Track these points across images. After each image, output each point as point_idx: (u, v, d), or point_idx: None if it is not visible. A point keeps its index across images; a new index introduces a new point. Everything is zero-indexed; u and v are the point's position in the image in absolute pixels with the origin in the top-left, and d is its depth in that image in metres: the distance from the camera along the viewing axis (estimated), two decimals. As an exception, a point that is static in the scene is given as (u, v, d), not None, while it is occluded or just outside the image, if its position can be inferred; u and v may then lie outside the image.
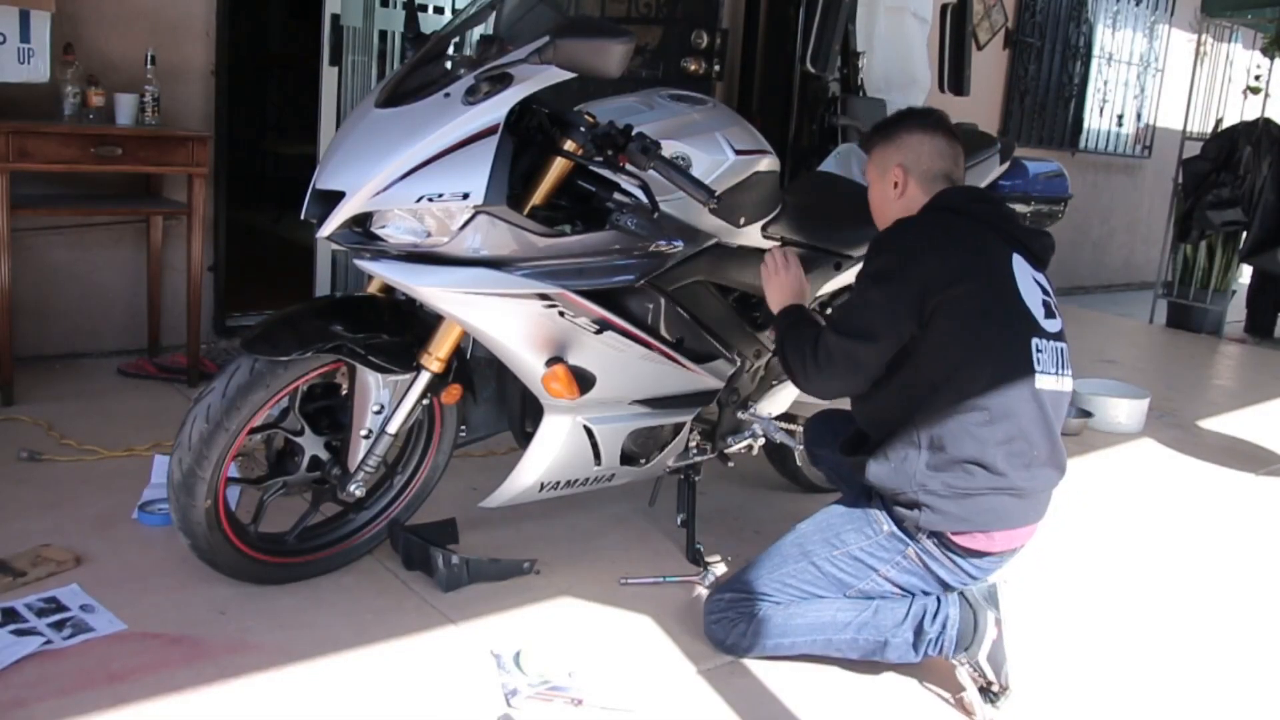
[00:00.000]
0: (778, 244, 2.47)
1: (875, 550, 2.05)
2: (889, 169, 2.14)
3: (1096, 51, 7.56)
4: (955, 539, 2.00)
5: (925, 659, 2.03)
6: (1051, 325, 2.04)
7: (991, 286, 1.98)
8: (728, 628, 2.09)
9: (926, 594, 2.07)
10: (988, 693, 2.01)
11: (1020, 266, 2.03)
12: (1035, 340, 1.99)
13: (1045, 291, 2.07)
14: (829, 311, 2.69)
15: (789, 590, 2.07)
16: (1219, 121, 6.74)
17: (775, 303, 2.25)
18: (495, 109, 1.93)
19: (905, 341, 1.97)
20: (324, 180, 1.97)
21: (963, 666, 2.02)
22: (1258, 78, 6.71)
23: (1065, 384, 2.05)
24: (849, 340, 2.00)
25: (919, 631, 2.01)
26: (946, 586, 2.07)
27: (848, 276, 2.62)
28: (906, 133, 2.14)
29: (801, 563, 2.07)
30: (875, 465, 2.03)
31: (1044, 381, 1.98)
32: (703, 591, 2.37)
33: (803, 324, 2.14)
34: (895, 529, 2.04)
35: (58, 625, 1.98)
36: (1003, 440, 1.94)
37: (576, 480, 2.33)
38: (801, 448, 2.84)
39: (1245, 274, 6.76)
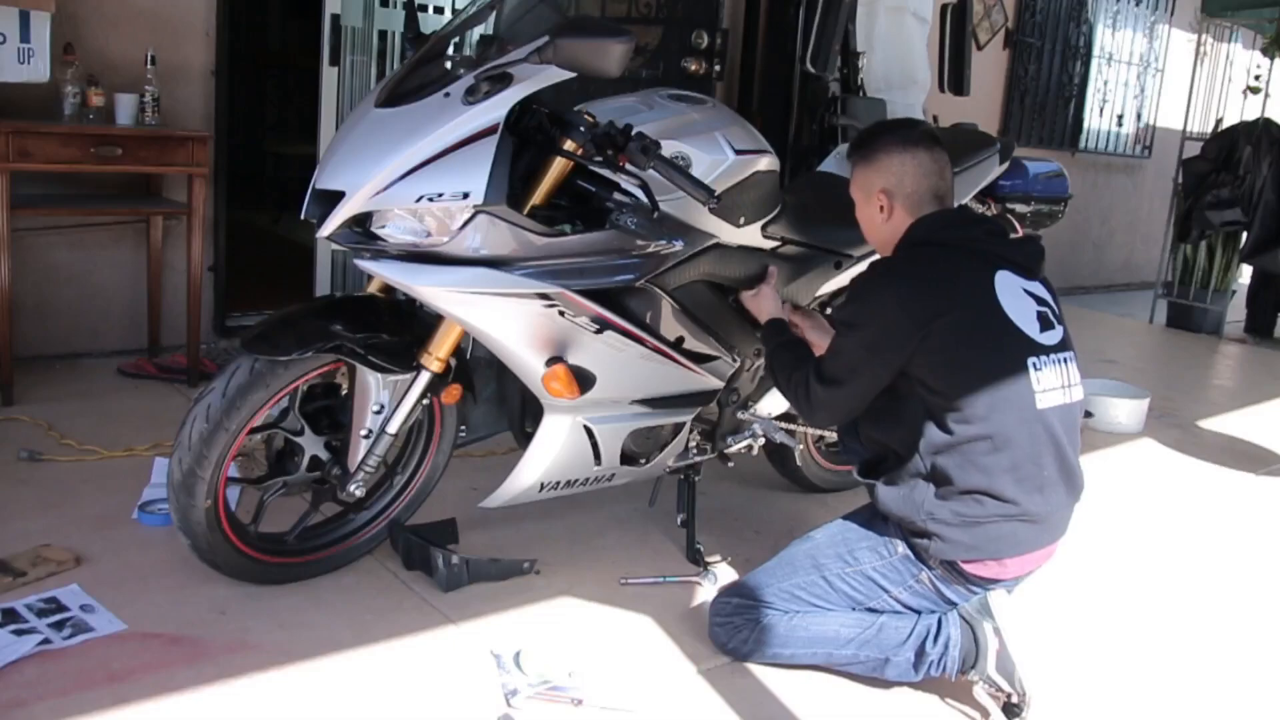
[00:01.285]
0: (778, 243, 2.47)
1: (888, 572, 2.04)
2: (873, 193, 2.10)
3: (1096, 51, 7.56)
4: (967, 567, 1.98)
5: (926, 678, 2.02)
6: (1050, 338, 1.99)
7: (973, 316, 1.95)
8: (731, 633, 2.08)
9: (933, 612, 2.06)
10: (1011, 707, 1.98)
11: (1006, 283, 1.99)
12: (1032, 359, 1.95)
13: (1041, 301, 2.03)
14: (829, 311, 2.69)
15: (797, 601, 2.06)
16: (1219, 121, 6.73)
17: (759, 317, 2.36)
18: (495, 109, 1.93)
19: (889, 381, 1.99)
20: (324, 180, 1.97)
21: (977, 685, 2.00)
22: (1258, 78, 6.71)
23: (1074, 394, 2.01)
24: (831, 387, 2.04)
25: (921, 652, 2.00)
26: (954, 606, 2.06)
27: (847, 277, 2.62)
28: (885, 154, 2.08)
29: (813, 575, 2.06)
30: (885, 492, 2.02)
31: (1047, 400, 1.95)
32: (703, 591, 2.37)
33: (787, 352, 2.21)
34: (909, 553, 2.02)
35: (58, 625, 1.98)
36: (1009, 467, 1.91)
37: (576, 480, 2.33)
38: (801, 447, 2.84)
39: (1245, 274, 6.76)
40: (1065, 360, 2.01)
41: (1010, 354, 1.95)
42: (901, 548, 2.03)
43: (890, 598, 2.05)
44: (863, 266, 2.61)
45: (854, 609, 2.06)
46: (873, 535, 2.06)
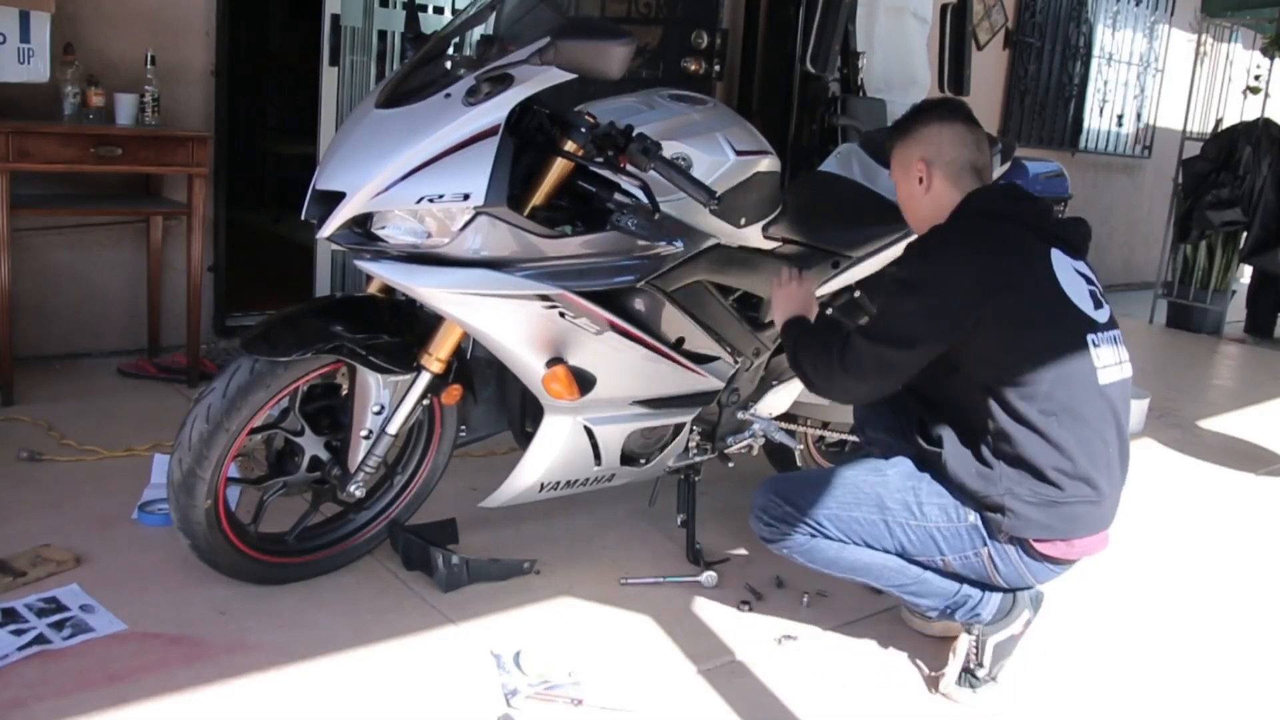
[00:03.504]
0: (778, 244, 2.47)
1: (951, 537, 2.00)
2: (911, 165, 2.10)
3: (1096, 51, 7.56)
4: (1037, 545, 1.97)
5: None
6: (1101, 315, 2.00)
7: (1035, 291, 1.94)
8: (775, 534, 2.04)
9: (975, 586, 2.07)
10: (969, 674, 2.02)
11: (1060, 262, 1.98)
12: (1091, 336, 1.96)
13: (1089, 280, 2.02)
14: (829, 312, 2.69)
15: (850, 535, 2.01)
16: (1219, 121, 6.74)
17: (782, 313, 2.21)
18: (496, 110, 1.93)
19: (944, 350, 1.94)
20: (324, 181, 1.97)
21: (969, 636, 2.02)
22: (1258, 78, 6.71)
23: (1126, 370, 2.02)
24: (882, 345, 1.96)
25: (948, 611, 2.07)
26: (999, 590, 2.06)
27: (846, 277, 2.62)
28: (923, 125, 2.10)
29: (874, 515, 2.00)
30: (957, 466, 1.97)
31: (1106, 375, 1.96)
32: (703, 591, 2.37)
33: (821, 328, 2.13)
34: (979, 523, 1.99)
35: (58, 625, 1.98)
36: (1078, 443, 1.91)
37: (576, 480, 2.33)
38: (801, 448, 2.84)
39: (1245, 274, 6.76)
40: (1116, 338, 2.02)
41: (1071, 330, 1.95)
42: (973, 517, 1.99)
43: (941, 560, 2.03)
44: (862, 267, 2.61)
45: (900, 555, 2.03)
46: (946, 496, 2.00)
